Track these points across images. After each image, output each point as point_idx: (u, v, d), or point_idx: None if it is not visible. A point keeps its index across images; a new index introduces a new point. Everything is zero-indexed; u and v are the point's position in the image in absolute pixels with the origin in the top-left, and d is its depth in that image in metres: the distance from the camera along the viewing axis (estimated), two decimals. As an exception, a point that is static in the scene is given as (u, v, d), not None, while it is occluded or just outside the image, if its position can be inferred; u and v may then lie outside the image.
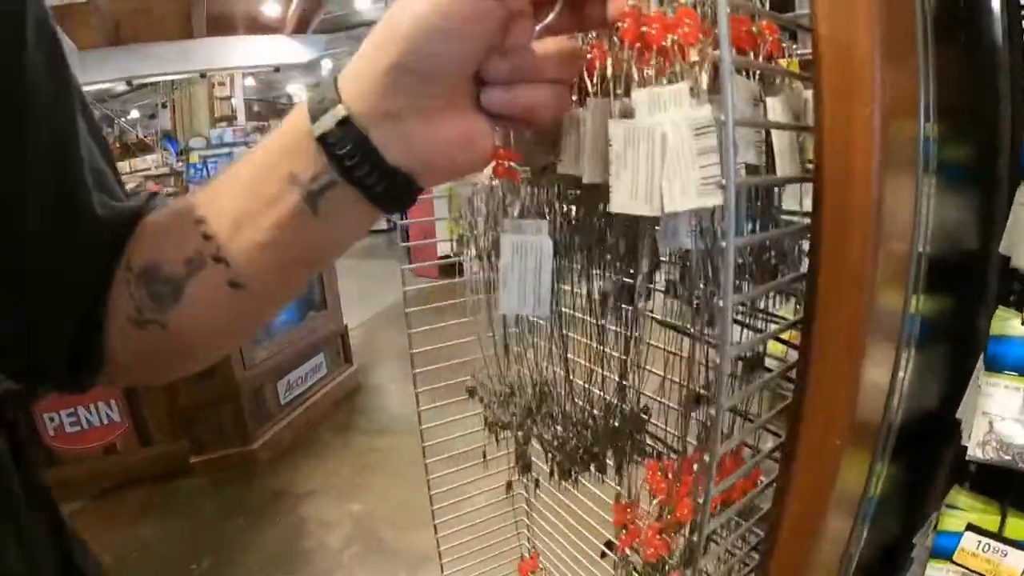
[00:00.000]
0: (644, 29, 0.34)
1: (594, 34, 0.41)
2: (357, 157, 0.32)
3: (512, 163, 0.37)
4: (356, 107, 0.31)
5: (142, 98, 9.17)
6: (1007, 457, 0.47)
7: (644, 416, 0.53)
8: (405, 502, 2.24)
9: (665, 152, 0.32)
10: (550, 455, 0.57)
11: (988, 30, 0.49)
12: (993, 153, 0.50)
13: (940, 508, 0.53)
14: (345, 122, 0.31)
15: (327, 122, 0.31)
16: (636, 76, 0.35)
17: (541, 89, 0.34)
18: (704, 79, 0.33)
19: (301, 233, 0.34)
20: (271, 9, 6.45)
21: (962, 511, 0.52)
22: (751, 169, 0.37)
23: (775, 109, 0.38)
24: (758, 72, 0.39)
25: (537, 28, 0.35)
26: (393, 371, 3.80)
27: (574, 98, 0.41)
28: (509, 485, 0.86)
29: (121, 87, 7.09)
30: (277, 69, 7.29)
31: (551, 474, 0.58)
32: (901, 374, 0.46)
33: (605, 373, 0.52)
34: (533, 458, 0.61)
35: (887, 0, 0.36)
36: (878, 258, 0.37)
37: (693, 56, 0.33)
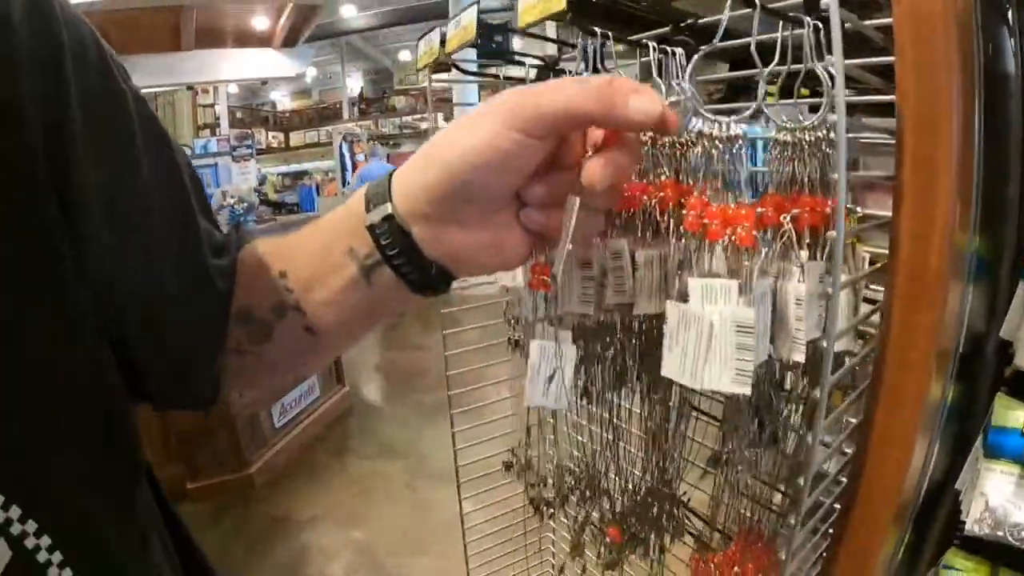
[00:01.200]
0: (706, 222, 0.38)
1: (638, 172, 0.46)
2: (397, 249, 0.36)
3: (546, 278, 0.39)
4: (401, 206, 0.35)
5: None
6: (1000, 533, 0.54)
7: (668, 491, 0.58)
8: (406, 528, 2.27)
9: (710, 341, 0.37)
10: (598, 538, 0.61)
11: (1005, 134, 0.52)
12: (1000, 242, 0.54)
13: (938, 566, 0.60)
14: (390, 218, 0.36)
15: (375, 216, 0.36)
16: (694, 262, 0.39)
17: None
18: (756, 279, 0.37)
19: (359, 298, 0.39)
20: (260, 23, 6.44)
21: (959, 571, 0.59)
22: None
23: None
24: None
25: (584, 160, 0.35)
26: (384, 390, 3.80)
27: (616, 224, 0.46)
28: (561, 570, 0.86)
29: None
30: (264, 82, 7.26)
31: (597, 556, 0.61)
32: (932, 456, 0.52)
33: (639, 454, 0.57)
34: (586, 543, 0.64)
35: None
36: (933, 376, 0.43)
37: (745, 261, 0.37)
